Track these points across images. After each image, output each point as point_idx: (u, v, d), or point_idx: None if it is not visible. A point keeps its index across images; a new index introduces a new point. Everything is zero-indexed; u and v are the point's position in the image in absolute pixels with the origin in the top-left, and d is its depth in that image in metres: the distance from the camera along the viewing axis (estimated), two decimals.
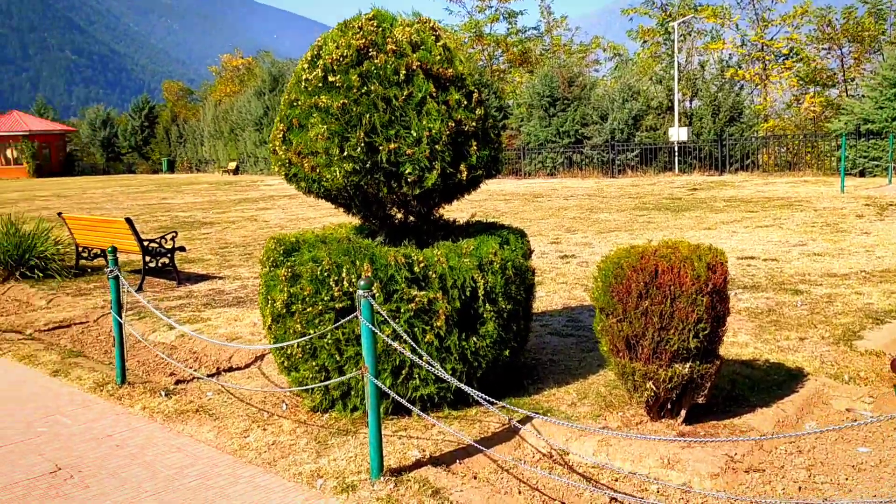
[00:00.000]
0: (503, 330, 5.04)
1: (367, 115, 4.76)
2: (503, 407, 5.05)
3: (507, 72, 45.76)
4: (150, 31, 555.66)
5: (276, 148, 5.17)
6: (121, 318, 5.91)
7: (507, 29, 45.19)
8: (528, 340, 5.84)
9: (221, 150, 51.31)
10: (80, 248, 11.18)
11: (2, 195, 34.59)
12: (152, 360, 7.02)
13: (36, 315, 8.81)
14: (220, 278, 10.55)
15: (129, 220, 9.72)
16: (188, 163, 57.69)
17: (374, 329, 3.99)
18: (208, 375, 6.39)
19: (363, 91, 4.81)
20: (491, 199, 20.79)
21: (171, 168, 58.99)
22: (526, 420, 4.80)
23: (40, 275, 10.72)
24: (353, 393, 4.99)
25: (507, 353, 5.14)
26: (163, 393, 5.80)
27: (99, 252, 11.09)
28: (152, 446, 4.88)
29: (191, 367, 6.67)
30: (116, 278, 5.87)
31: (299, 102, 5.03)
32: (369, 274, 4.64)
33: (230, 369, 6.58)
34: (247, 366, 6.60)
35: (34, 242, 10.94)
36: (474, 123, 5.03)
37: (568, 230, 13.94)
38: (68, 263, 11.18)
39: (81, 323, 8.46)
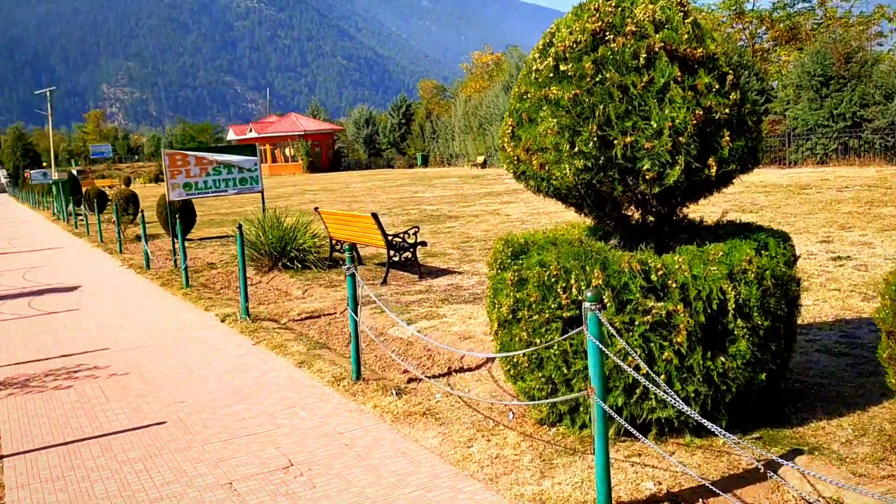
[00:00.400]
0: (758, 349, 4.33)
1: (601, 106, 4.30)
2: (757, 439, 4.35)
3: (771, 51, 42.02)
4: (411, 34, 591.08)
5: (505, 144, 4.89)
6: (357, 315, 6.01)
7: (773, 3, 41.43)
8: (791, 360, 5.03)
9: (470, 144, 52.88)
10: (334, 241, 11.86)
11: (278, 189, 38.47)
12: (388, 356, 7.13)
13: (291, 305, 9.42)
14: (459, 273, 10.61)
15: (374, 216, 10.07)
16: (440, 157, 60.21)
17: (601, 347, 3.56)
18: (439, 375, 6.33)
19: (597, 79, 4.35)
20: (748, 192, 19.07)
21: (425, 162, 61.92)
22: (789, 456, 4.08)
23: (299, 265, 11.53)
24: (581, 409, 4.58)
25: (762, 376, 4.42)
26: (394, 392, 5.80)
27: (349, 245, 11.68)
28: (379, 448, 4.85)
29: (423, 366, 6.66)
30: (353, 276, 5.97)
31: (529, 95, 4.69)
32: (600, 281, 4.19)
33: (461, 370, 6.46)
34: (478, 367, 6.45)
35: (295, 235, 11.79)
36: (727, 110, 4.36)
37: (842, 227, 12.26)
38: (323, 255, 11.91)
39: (329, 314, 8.88)
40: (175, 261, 13.01)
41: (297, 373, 6.57)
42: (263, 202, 13.70)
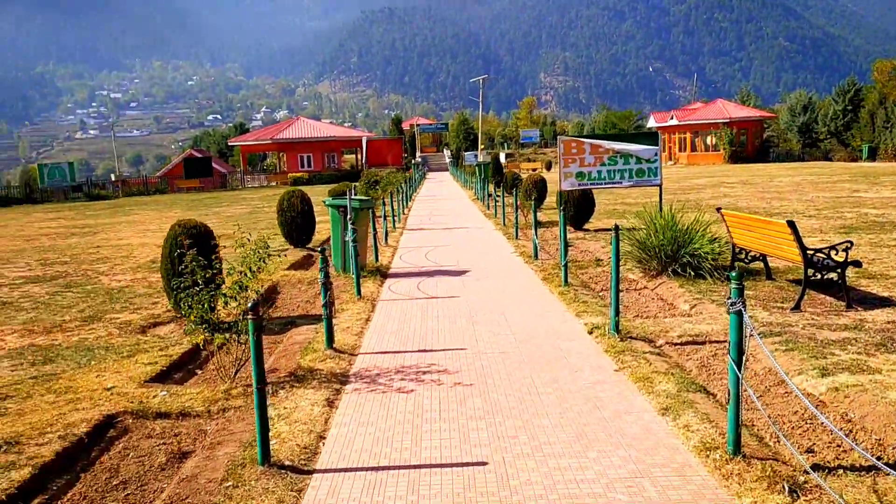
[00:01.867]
0: None
1: None
2: None
3: None
4: (869, 9, 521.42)
5: None
6: (739, 369, 4.39)
7: None
8: None
9: None
10: (737, 249, 9.96)
11: (691, 180, 36.22)
12: (790, 418, 5.31)
13: (673, 323, 7.93)
14: None
15: (791, 224, 8.01)
16: (892, 150, 51.37)
17: None
18: (861, 469, 4.38)
19: None
20: None
21: (872, 156, 53.52)
22: None
23: (691, 273, 9.91)
24: None
25: None
26: (785, 487, 4.08)
27: (757, 256, 9.70)
28: None
29: (838, 447, 4.74)
30: (740, 314, 4.35)
31: None
32: None
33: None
34: None
35: (690, 237, 10.18)
36: None
37: None
38: (722, 264, 10.10)
39: (717, 342, 7.21)
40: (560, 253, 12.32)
41: (657, 423, 5.17)
42: (661, 197, 12.27)
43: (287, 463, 4.71)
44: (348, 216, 11.35)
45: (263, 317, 6.38)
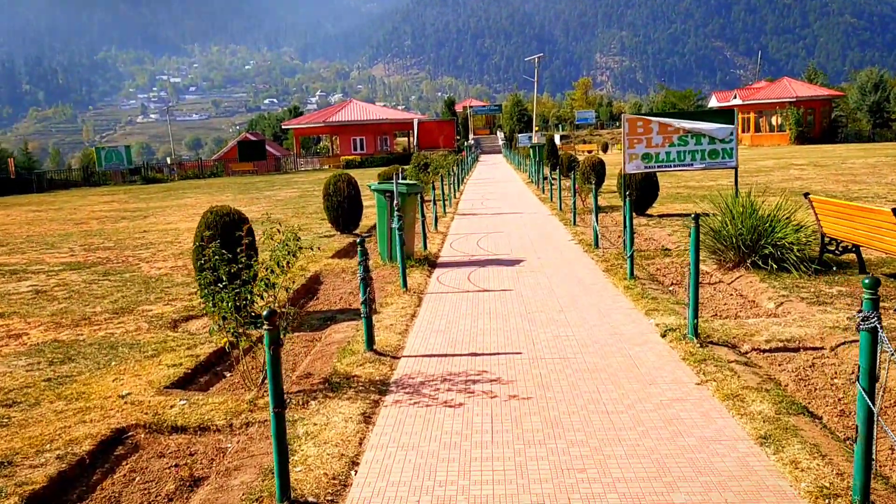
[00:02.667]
0: None
1: None
2: None
3: None
4: None
5: None
6: (872, 402, 3.47)
7: None
8: None
9: None
10: (827, 239, 8.89)
11: (758, 162, 34.51)
12: None
13: (757, 325, 6.96)
14: None
15: None
16: None
17: None
18: None
19: None
20: None
21: None
22: None
23: (773, 266, 8.88)
24: None
25: None
26: None
27: (850, 246, 8.62)
28: None
29: None
30: (874, 332, 3.43)
31: None
32: None
33: None
34: None
35: (772, 226, 9.13)
36: None
37: None
38: (809, 255, 9.03)
39: (813, 349, 6.25)
40: (624, 242, 11.38)
41: (755, 456, 4.28)
42: (736, 181, 11.18)
43: (311, 499, 3.97)
44: (395, 202, 10.60)
45: (285, 323, 5.64)
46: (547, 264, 10.85)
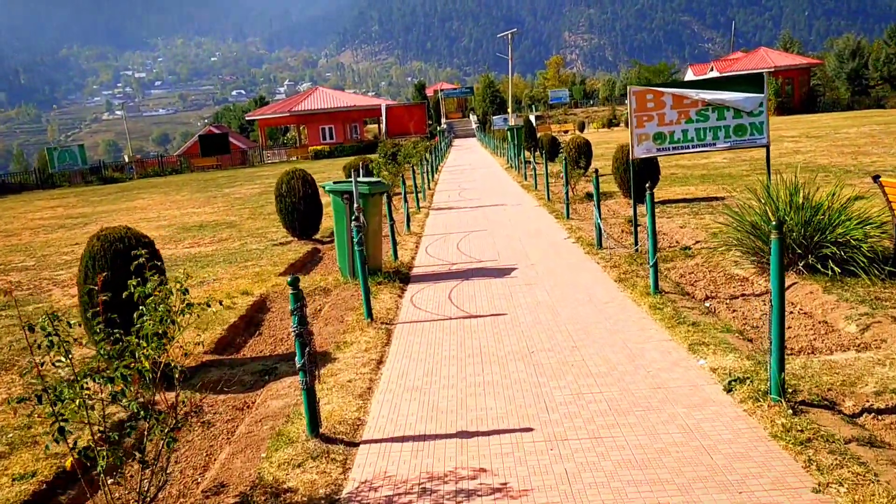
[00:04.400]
0: None
1: None
2: None
3: None
4: None
5: None
6: None
7: None
8: None
9: None
10: None
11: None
12: None
13: (854, 366, 5.03)
14: None
15: None
16: None
17: None
18: None
19: None
20: None
21: None
22: None
23: (836, 270, 6.99)
24: None
25: None
26: None
27: None
28: None
29: None
30: None
31: None
32: None
33: None
34: None
35: (830, 219, 7.24)
36: None
37: None
38: (884, 254, 7.15)
39: None
40: (637, 242, 9.43)
41: None
42: (769, 162, 9.27)
43: None
44: (354, 205, 8.58)
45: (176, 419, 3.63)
46: (544, 273, 8.90)
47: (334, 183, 9.08)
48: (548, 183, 16.19)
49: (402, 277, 9.18)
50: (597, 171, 10.04)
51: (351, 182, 8.67)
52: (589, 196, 15.79)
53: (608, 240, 10.08)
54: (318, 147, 57.63)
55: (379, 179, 9.17)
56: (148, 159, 61.47)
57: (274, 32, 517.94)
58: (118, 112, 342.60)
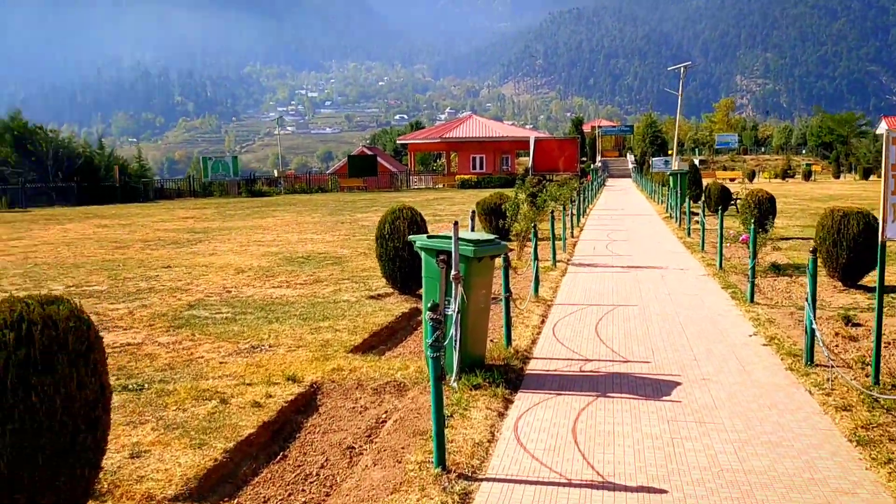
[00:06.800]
0: None
1: None
2: None
3: None
4: None
5: None
6: None
7: None
8: None
9: None
10: None
11: None
12: None
13: None
14: None
15: None
16: None
17: None
18: None
19: None
20: None
21: None
22: None
23: None
24: None
25: None
26: None
27: None
28: None
29: None
30: None
31: None
32: None
33: None
34: None
35: None
36: None
37: None
38: None
39: None
40: (878, 363, 6.15)
41: None
42: None
43: None
44: (452, 271, 5.98)
45: None
46: (725, 400, 5.86)
47: (428, 238, 6.49)
48: (721, 247, 12.88)
49: (510, 380, 6.41)
50: (814, 251, 6.80)
51: (450, 239, 6.06)
52: (775, 269, 12.36)
53: (824, 350, 6.83)
54: (466, 176, 55.92)
55: (493, 237, 6.51)
56: (299, 175, 62.15)
57: (440, 61, 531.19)
58: (289, 128, 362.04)
